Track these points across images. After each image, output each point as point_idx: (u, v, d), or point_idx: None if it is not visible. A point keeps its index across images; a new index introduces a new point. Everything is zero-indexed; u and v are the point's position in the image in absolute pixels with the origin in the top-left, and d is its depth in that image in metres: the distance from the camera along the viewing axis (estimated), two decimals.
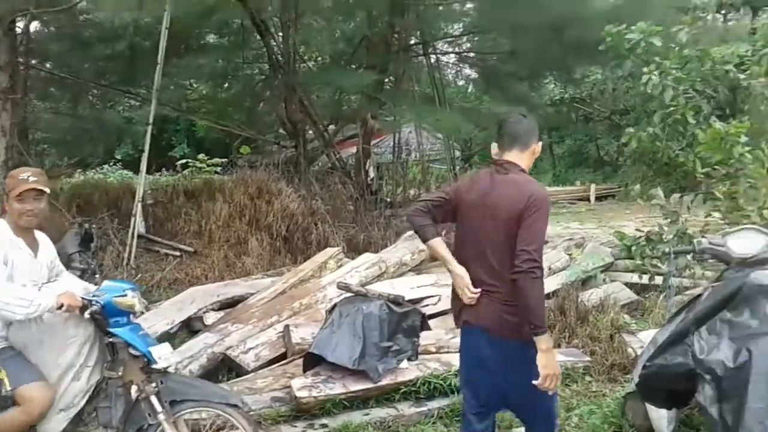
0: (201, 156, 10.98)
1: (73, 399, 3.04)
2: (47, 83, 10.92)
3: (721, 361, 2.36)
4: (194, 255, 7.77)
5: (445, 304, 5.40)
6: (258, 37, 10.42)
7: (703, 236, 3.91)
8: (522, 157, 2.85)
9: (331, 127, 11.37)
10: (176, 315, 5.39)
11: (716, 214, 5.38)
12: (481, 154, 23.55)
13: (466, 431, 2.98)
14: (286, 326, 4.89)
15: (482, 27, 11.74)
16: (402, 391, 4.19)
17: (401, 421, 4.01)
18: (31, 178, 3.05)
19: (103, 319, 3.04)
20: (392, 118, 11.34)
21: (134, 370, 3.06)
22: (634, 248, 5.55)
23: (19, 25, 8.56)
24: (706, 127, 5.29)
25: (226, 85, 13.05)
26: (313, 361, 4.30)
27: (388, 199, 10.21)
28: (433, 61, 10.98)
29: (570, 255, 6.99)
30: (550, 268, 6.27)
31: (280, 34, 10.52)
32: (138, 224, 7.58)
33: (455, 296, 2.93)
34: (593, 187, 18.71)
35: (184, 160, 11.43)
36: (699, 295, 2.99)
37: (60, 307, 2.86)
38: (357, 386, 4.11)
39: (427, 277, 5.87)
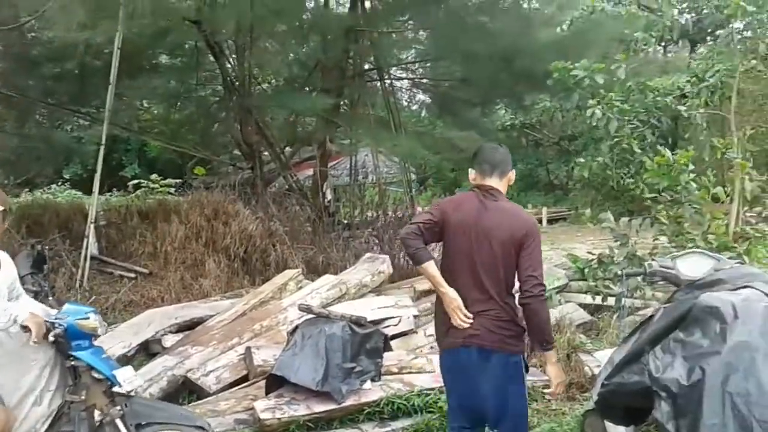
0: (154, 176, 10.80)
1: (35, 424, 2.97)
2: None
3: (676, 379, 2.44)
4: (150, 277, 7.61)
5: (406, 324, 5.49)
6: (212, 58, 10.34)
7: (652, 259, 4.11)
8: (501, 184, 3.05)
9: (288, 149, 11.35)
10: (133, 338, 5.27)
11: (663, 238, 5.65)
12: (434, 177, 23.88)
13: None
14: (248, 348, 4.85)
15: (435, 55, 11.98)
16: (366, 411, 4.22)
17: None
18: None
19: (66, 342, 3.00)
20: (349, 141, 11.41)
21: (97, 393, 3.03)
22: (586, 270, 5.78)
23: None
24: (653, 155, 5.57)
25: (180, 105, 12.85)
26: (276, 383, 4.29)
27: (346, 221, 10.23)
28: (387, 85, 11.12)
29: None
30: None
31: (234, 56, 10.47)
32: (91, 245, 7.39)
33: (441, 317, 3.03)
34: (545, 210, 19.19)
35: (136, 181, 11.20)
36: (651, 316, 3.13)
37: (26, 329, 2.80)
38: (321, 407, 4.12)
39: (387, 298, 5.92)
